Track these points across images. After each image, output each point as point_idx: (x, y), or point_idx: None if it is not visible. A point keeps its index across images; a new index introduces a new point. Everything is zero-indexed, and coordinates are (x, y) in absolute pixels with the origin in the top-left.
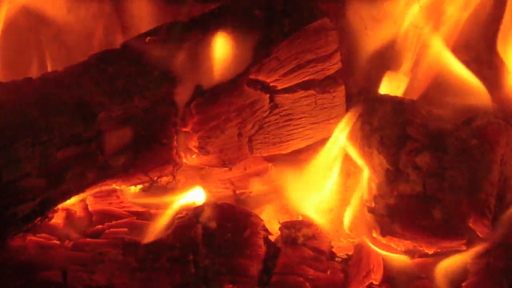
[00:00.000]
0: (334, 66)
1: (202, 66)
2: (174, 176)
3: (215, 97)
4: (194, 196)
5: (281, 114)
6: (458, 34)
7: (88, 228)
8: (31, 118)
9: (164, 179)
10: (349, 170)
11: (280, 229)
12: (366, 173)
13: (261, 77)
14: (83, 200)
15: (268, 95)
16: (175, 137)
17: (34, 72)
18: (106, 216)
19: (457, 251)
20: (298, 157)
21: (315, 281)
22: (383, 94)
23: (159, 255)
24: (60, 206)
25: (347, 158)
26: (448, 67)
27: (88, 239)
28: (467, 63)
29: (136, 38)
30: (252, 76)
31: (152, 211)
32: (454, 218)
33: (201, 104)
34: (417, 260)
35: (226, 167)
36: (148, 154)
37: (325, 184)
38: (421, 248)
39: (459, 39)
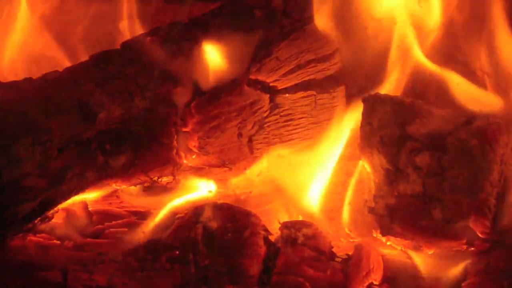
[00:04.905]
0: (334, 66)
1: (202, 66)
2: (174, 176)
3: (215, 97)
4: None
5: (281, 114)
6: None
7: (88, 228)
8: (31, 118)
9: (164, 179)
10: (349, 170)
11: (280, 229)
12: (366, 173)
13: (261, 77)
14: (83, 200)
15: (268, 95)
16: (175, 137)
17: None
18: (106, 216)
19: (457, 251)
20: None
21: (315, 281)
22: (383, 94)
23: (159, 255)
24: (60, 206)
25: (347, 158)
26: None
27: (88, 239)
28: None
29: (136, 38)
30: (252, 76)
31: (152, 211)
32: (454, 218)
33: (201, 104)
34: (417, 260)
35: (226, 167)
36: (148, 154)
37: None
38: (421, 248)
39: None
